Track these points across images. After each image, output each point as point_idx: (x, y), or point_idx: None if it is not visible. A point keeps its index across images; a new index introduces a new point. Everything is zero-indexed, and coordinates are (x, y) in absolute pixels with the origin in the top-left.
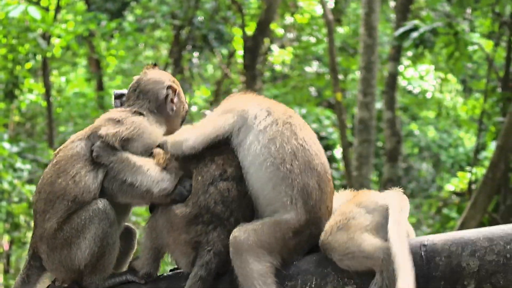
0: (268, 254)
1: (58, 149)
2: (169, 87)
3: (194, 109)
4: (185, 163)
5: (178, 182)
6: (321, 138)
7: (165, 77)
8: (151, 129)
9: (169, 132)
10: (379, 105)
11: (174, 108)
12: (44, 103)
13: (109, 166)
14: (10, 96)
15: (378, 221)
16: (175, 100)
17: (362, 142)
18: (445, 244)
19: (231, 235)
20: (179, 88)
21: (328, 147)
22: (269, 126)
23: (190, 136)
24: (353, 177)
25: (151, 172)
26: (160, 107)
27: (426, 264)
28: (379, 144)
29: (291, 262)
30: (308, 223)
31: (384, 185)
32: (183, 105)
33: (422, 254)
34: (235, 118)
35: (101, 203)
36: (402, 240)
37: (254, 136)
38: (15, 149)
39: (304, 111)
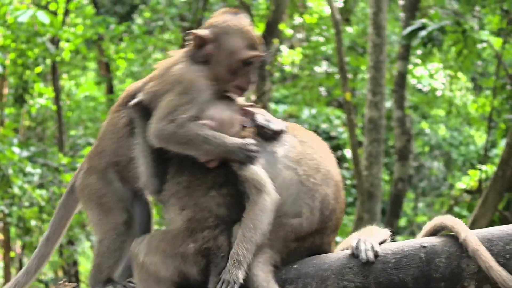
0: (269, 248)
1: None
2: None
3: None
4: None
5: None
6: (331, 138)
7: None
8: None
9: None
10: (388, 104)
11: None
12: (54, 107)
13: None
14: (20, 100)
15: None
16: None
17: (372, 142)
18: (444, 246)
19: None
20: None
21: (338, 147)
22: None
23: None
24: (363, 176)
25: None
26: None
27: (426, 265)
28: (390, 143)
29: (289, 262)
30: (314, 233)
31: (395, 184)
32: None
33: (422, 255)
34: None
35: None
36: None
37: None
38: (25, 153)
39: (314, 111)
